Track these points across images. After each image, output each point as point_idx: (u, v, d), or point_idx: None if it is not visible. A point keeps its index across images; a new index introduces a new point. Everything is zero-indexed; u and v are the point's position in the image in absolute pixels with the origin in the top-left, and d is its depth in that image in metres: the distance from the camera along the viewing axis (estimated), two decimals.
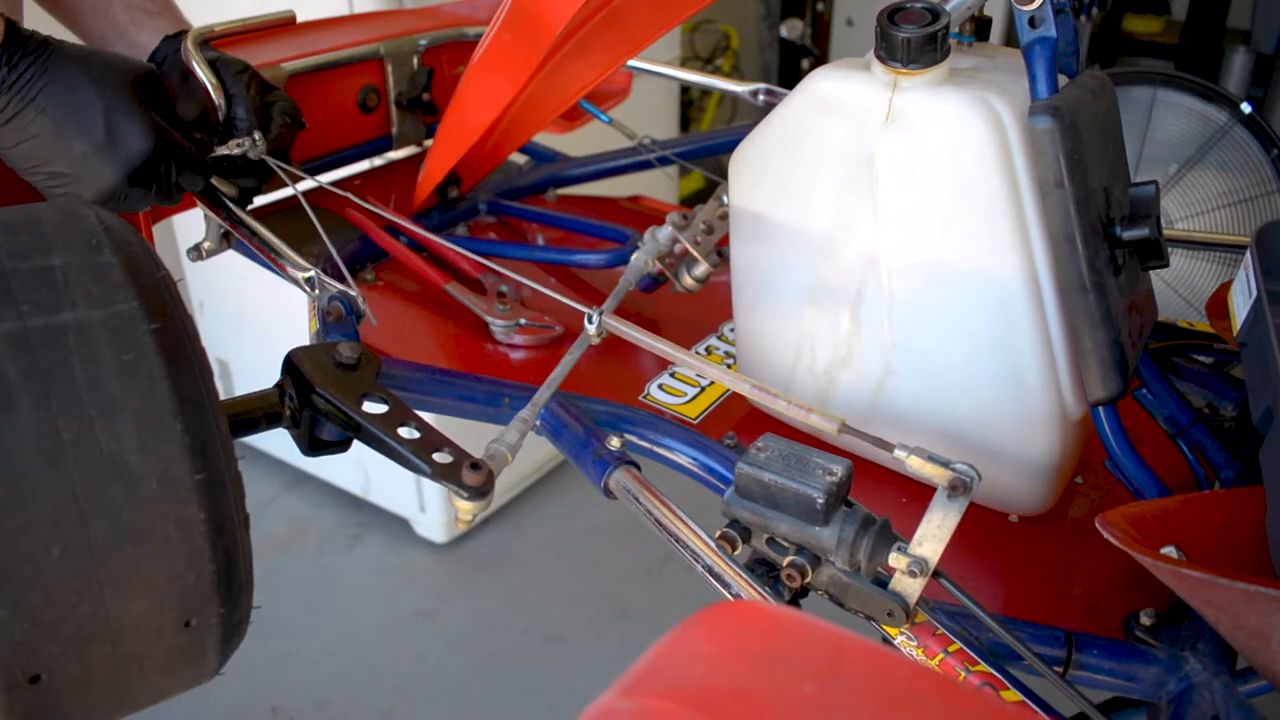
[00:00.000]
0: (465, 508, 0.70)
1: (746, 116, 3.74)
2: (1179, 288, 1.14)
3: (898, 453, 0.66)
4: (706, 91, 3.23)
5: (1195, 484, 0.85)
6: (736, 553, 0.69)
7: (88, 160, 0.80)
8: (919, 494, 0.85)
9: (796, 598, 0.68)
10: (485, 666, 2.18)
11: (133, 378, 0.53)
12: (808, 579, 0.66)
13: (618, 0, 1.06)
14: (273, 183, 0.98)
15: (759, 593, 0.67)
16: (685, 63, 3.66)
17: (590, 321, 0.84)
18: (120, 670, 0.55)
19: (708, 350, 1.04)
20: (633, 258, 0.98)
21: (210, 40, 0.97)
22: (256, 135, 0.93)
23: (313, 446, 0.76)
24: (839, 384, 0.86)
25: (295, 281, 0.90)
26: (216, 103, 0.92)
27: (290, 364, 0.74)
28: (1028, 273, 0.74)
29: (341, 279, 0.90)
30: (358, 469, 2.49)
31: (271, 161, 0.94)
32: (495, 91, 1.04)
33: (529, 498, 2.62)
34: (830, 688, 0.35)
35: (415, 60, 1.23)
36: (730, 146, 0.87)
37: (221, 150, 0.92)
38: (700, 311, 1.09)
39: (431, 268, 1.09)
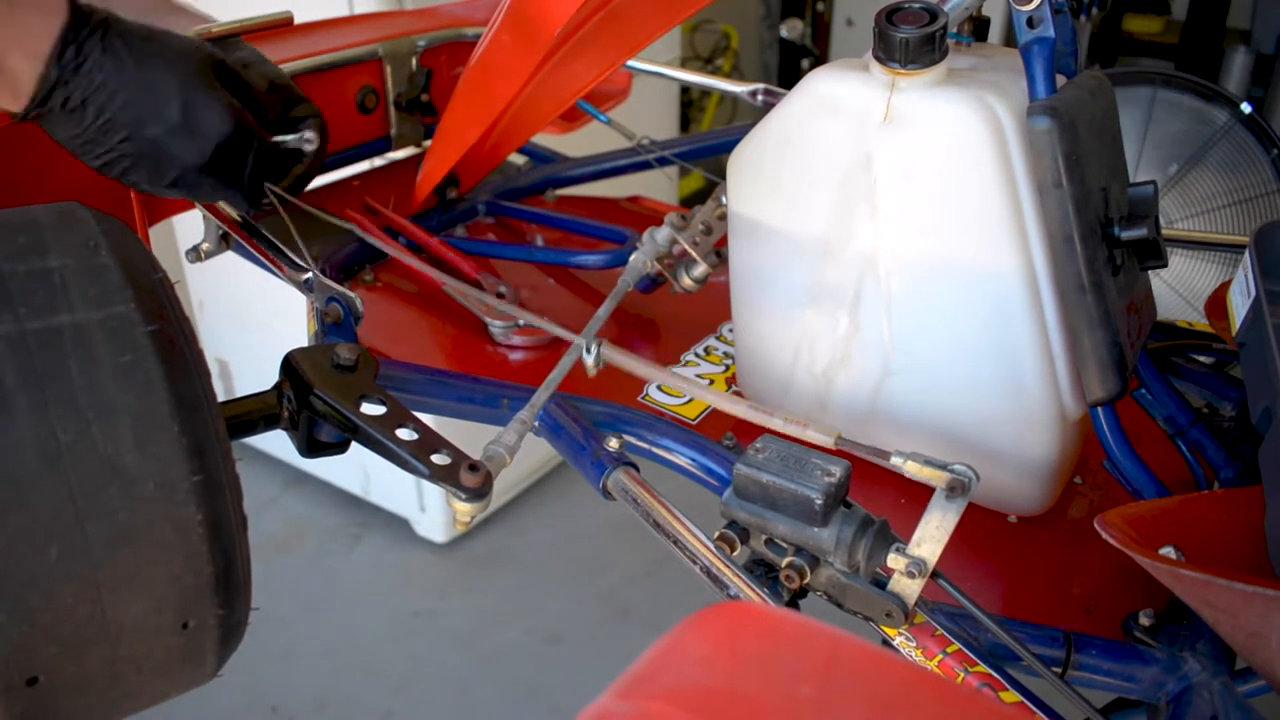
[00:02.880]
0: (463, 509, 0.70)
1: (747, 116, 3.73)
2: (1179, 288, 1.14)
3: (894, 459, 0.66)
4: (706, 91, 3.23)
5: (1194, 484, 0.85)
6: (735, 554, 0.69)
7: (160, 144, 0.76)
8: (918, 495, 0.85)
9: (795, 599, 0.68)
10: (485, 666, 2.18)
11: (130, 380, 0.53)
12: (806, 580, 0.66)
13: (617, 0, 1.06)
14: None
15: (757, 594, 0.67)
16: (685, 63, 3.66)
17: (588, 353, 0.84)
18: (118, 672, 0.55)
19: (706, 351, 1.04)
20: (631, 259, 0.98)
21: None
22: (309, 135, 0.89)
23: (311, 448, 0.76)
24: (838, 384, 0.86)
25: (293, 283, 0.90)
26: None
27: (288, 365, 0.74)
28: (1026, 273, 0.74)
29: (337, 282, 0.90)
30: (357, 469, 2.49)
31: (268, 187, 0.92)
32: (494, 92, 1.04)
33: (529, 498, 2.62)
34: (827, 689, 0.35)
35: (414, 61, 1.23)
36: (730, 147, 0.87)
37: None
38: (699, 312, 1.09)
39: (430, 268, 1.09)
